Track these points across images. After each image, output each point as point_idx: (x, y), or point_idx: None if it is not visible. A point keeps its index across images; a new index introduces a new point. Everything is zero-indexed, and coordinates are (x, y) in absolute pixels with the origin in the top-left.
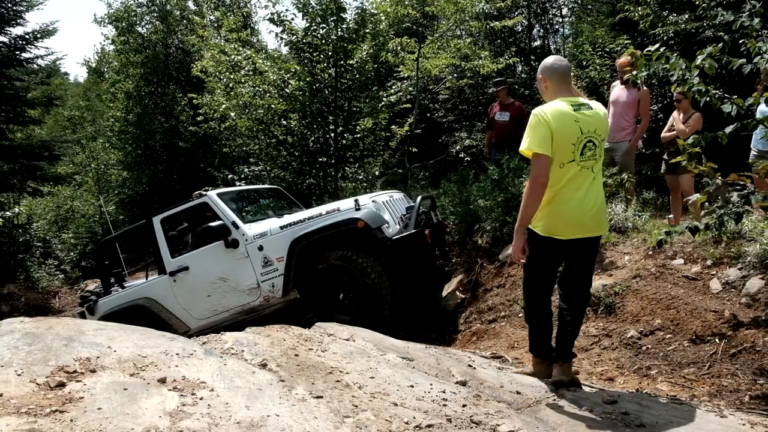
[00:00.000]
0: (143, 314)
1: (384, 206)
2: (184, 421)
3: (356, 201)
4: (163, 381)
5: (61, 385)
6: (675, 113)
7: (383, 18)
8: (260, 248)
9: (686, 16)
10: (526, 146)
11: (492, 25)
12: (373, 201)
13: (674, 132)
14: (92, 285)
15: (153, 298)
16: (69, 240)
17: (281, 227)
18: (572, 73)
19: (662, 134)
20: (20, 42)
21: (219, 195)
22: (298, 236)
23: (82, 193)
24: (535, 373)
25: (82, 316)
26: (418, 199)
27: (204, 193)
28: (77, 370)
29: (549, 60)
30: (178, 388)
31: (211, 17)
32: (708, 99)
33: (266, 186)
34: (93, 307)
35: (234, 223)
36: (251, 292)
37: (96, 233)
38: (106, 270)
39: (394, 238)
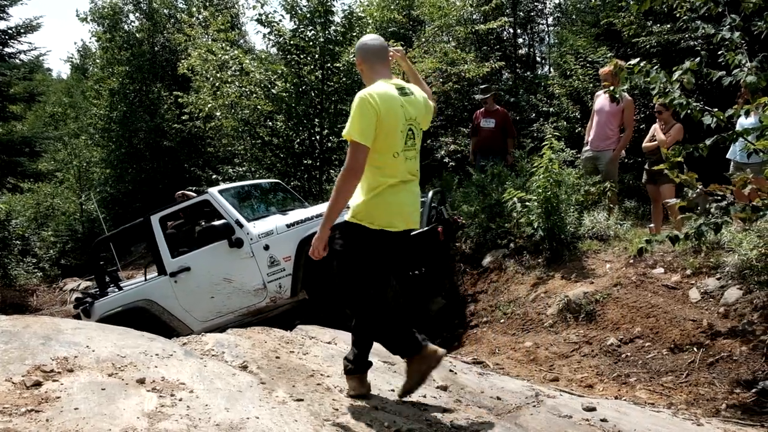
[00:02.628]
0: (143, 317)
1: None
2: (162, 422)
3: None
4: (141, 381)
5: (38, 384)
6: (656, 124)
7: (370, 21)
8: (266, 247)
9: (668, 26)
10: (347, 131)
11: (477, 28)
12: None
13: (655, 142)
14: (71, 283)
15: (153, 299)
16: (48, 238)
17: (288, 225)
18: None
19: (643, 144)
20: (3, 37)
21: (221, 192)
22: (308, 235)
23: (63, 191)
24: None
25: (78, 319)
26: (429, 194)
27: (187, 193)
28: (54, 369)
29: (363, 39)
30: (157, 389)
31: (199, 16)
32: (689, 111)
33: (268, 180)
34: (89, 309)
35: (238, 222)
36: (257, 293)
37: (76, 231)
38: (102, 270)
39: None
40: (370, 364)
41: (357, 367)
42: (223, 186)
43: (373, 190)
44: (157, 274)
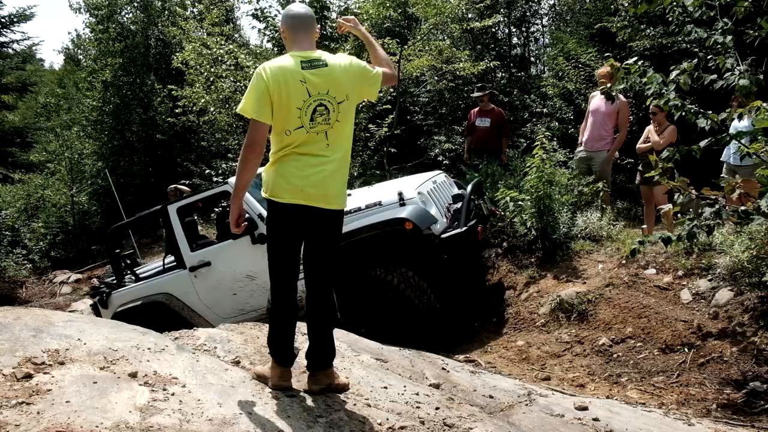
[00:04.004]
0: (163, 311)
1: (430, 197)
2: (154, 416)
3: (400, 194)
4: (134, 375)
5: (29, 376)
6: (650, 125)
7: (365, 18)
8: None
9: (661, 29)
10: (240, 107)
11: (472, 26)
12: (419, 192)
13: (650, 144)
14: (61, 276)
15: (173, 294)
16: (39, 229)
17: None
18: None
19: (637, 146)
20: None
21: None
22: None
23: (55, 182)
24: (268, 377)
25: (94, 309)
26: (469, 187)
27: (180, 187)
28: (45, 362)
29: (290, 6)
30: (150, 383)
31: (194, 10)
32: (684, 113)
33: None
34: (106, 300)
35: (261, 216)
36: None
37: (67, 223)
38: (118, 258)
39: (443, 236)
40: (294, 356)
41: (272, 351)
42: None
43: (272, 165)
44: (176, 265)
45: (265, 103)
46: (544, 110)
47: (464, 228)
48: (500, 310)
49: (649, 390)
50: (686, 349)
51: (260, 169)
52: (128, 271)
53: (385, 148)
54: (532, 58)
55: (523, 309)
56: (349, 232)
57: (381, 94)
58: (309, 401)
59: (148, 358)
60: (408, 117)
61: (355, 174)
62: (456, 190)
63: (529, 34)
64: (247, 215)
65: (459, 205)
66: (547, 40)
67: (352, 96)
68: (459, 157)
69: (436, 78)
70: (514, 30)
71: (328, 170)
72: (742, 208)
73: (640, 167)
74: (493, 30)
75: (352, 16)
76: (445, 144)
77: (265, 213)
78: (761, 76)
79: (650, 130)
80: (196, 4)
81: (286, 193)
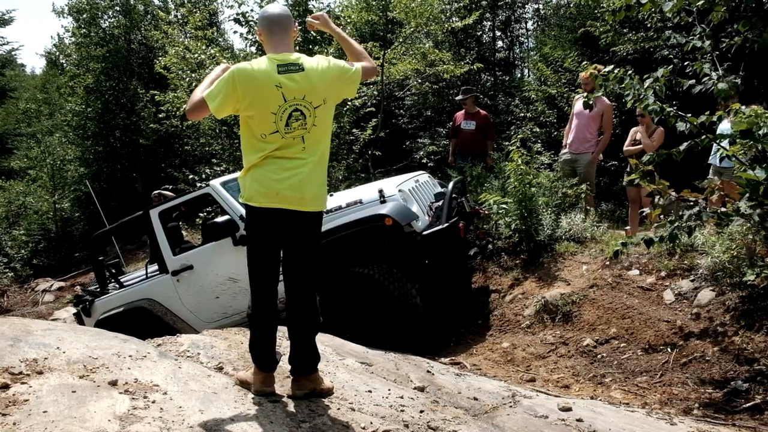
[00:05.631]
0: (146, 317)
1: (411, 195)
2: (134, 425)
3: (381, 192)
4: (114, 383)
5: (5, 387)
6: (639, 128)
7: (348, 22)
8: None
9: (643, 34)
10: (208, 92)
11: (453, 26)
12: (399, 190)
13: (638, 147)
14: (44, 284)
15: (155, 299)
16: (20, 237)
17: None
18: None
19: (625, 148)
20: None
21: (222, 184)
22: None
23: (36, 189)
24: (251, 383)
25: (77, 318)
26: (450, 185)
27: (163, 192)
28: (23, 371)
29: (266, 8)
30: (130, 390)
31: (177, 14)
32: (664, 117)
33: None
34: (89, 308)
35: (242, 217)
36: None
37: (49, 231)
38: (101, 265)
39: (424, 233)
40: (276, 361)
41: (254, 357)
42: (225, 177)
43: (247, 170)
44: (158, 271)
45: (227, 103)
46: (528, 114)
47: (445, 224)
48: (485, 313)
49: (632, 390)
50: (669, 349)
51: (236, 174)
52: (112, 279)
53: (369, 152)
54: (517, 62)
55: (508, 311)
56: (329, 230)
57: (365, 98)
58: (292, 406)
59: (129, 365)
60: (392, 120)
61: (340, 177)
62: (439, 189)
63: (514, 38)
64: (228, 216)
65: (441, 203)
66: (531, 44)
67: (331, 99)
68: (444, 159)
69: (419, 81)
70: (498, 34)
71: (305, 172)
72: (722, 209)
73: (628, 169)
74: (478, 33)
75: (321, 13)
76: (429, 147)
77: None
78: (739, 81)
79: (640, 132)
80: (179, 8)
81: (262, 197)
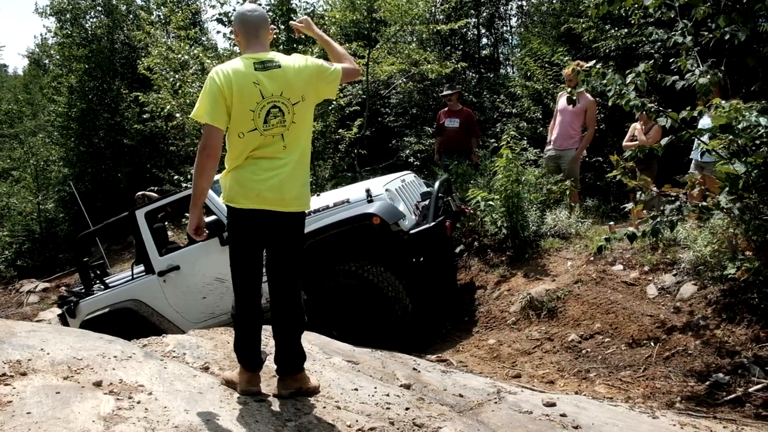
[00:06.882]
0: (132, 318)
1: (398, 194)
2: (119, 425)
3: (368, 191)
4: (98, 384)
5: None
6: (637, 124)
7: (333, 22)
8: None
9: (626, 30)
10: (194, 112)
11: (439, 28)
12: (386, 190)
13: (636, 142)
14: (28, 285)
15: (141, 300)
16: (4, 238)
17: None
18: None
19: (623, 143)
20: None
21: None
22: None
23: (20, 190)
24: (237, 382)
25: (62, 319)
26: (436, 184)
27: (148, 194)
28: (6, 373)
29: (241, 9)
30: (115, 391)
31: (159, 13)
32: (645, 112)
33: None
34: (74, 309)
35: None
36: None
37: (33, 232)
38: (86, 266)
39: (411, 232)
40: (261, 361)
41: (239, 357)
42: None
43: (228, 171)
44: (144, 272)
45: (220, 107)
46: (513, 110)
47: (432, 223)
48: (472, 309)
49: (616, 384)
50: (652, 343)
51: (217, 176)
52: (97, 280)
53: (355, 150)
54: (501, 59)
55: (494, 307)
56: (317, 230)
57: (350, 97)
58: (277, 405)
59: (114, 366)
60: (378, 119)
61: (327, 176)
62: (425, 189)
63: (498, 35)
64: (215, 216)
65: (427, 202)
66: (515, 41)
67: (309, 96)
68: (430, 158)
69: (404, 79)
70: (483, 31)
71: (285, 173)
72: (703, 203)
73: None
74: (463, 31)
75: (305, 17)
76: (415, 145)
77: None
78: (721, 75)
79: (637, 128)
80: (161, 7)
81: (243, 199)
